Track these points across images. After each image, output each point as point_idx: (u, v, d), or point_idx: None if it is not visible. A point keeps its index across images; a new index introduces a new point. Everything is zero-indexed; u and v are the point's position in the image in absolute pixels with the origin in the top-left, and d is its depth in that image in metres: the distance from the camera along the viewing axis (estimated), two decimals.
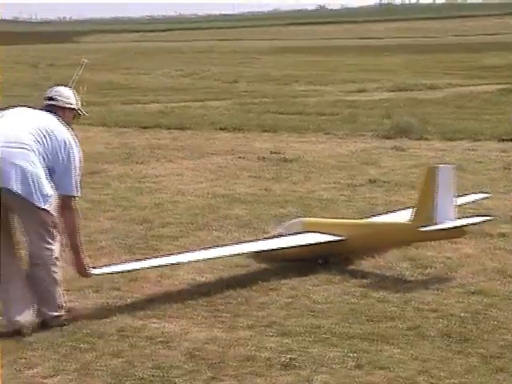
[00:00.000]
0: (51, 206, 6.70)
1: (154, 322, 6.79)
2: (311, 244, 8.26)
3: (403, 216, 8.85)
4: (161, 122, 20.11)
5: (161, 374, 5.76)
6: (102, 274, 7.34)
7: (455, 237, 8.27)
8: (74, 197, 6.83)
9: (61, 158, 6.67)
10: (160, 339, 6.41)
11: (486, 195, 10.77)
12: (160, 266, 7.82)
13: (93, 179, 12.96)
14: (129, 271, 7.64)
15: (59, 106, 6.96)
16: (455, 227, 7.88)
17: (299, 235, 8.44)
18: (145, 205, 11.19)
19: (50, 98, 6.98)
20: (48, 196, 6.63)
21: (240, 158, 15.00)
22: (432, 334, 6.44)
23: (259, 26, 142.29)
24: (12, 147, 6.48)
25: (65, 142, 6.70)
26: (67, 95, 7.04)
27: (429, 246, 8.77)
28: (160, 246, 9.16)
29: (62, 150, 6.68)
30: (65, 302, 6.86)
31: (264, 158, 14.84)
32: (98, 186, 12.51)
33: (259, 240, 8.83)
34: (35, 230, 6.71)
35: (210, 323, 6.78)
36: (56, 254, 6.80)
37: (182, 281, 7.88)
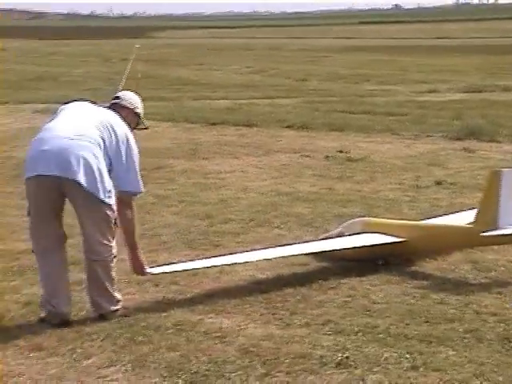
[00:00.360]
0: (113, 201, 6.79)
1: (211, 317, 6.84)
2: (371, 245, 8.26)
3: (465, 217, 8.81)
4: (228, 118, 20.18)
5: (215, 369, 5.81)
6: (160, 274, 7.45)
7: None
8: (135, 194, 6.94)
9: (121, 155, 6.76)
10: (216, 334, 6.44)
11: None
12: (216, 266, 7.84)
13: (158, 174, 13.12)
14: (186, 270, 7.68)
15: (122, 105, 7.09)
16: None
17: (359, 235, 8.44)
18: (208, 201, 11.28)
19: (116, 97, 7.17)
20: (110, 191, 6.69)
21: (305, 156, 15.00)
22: (490, 337, 6.37)
23: (331, 24, 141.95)
24: (79, 139, 6.55)
25: (125, 139, 6.80)
26: (132, 98, 7.22)
27: (492, 249, 8.67)
28: (221, 241, 9.22)
29: (123, 147, 6.76)
30: (119, 296, 6.95)
31: (329, 156, 14.80)
32: (162, 181, 12.65)
33: (320, 239, 8.83)
34: (96, 226, 6.73)
35: (267, 320, 6.81)
36: (114, 251, 6.87)
37: (241, 277, 7.91)
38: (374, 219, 8.94)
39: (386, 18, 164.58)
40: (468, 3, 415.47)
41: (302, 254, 8.30)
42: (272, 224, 10.03)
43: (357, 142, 16.80)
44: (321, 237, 8.97)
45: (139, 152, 6.94)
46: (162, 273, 7.44)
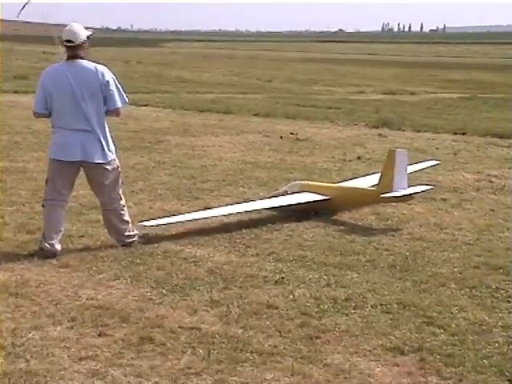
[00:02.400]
0: (115, 157, 6.75)
1: (189, 248, 6.96)
2: (306, 202, 8.37)
3: (369, 180, 9.01)
4: (212, 107, 20.11)
5: (189, 283, 5.95)
6: (154, 226, 7.28)
7: (406, 201, 8.37)
8: (124, 105, 6.72)
9: (105, 89, 6.50)
10: (192, 260, 6.58)
11: (435, 162, 11.01)
12: (191, 221, 7.62)
13: (159, 146, 13.15)
14: (169, 224, 7.46)
15: (78, 44, 6.48)
16: (405, 195, 8.02)
17: (298, 194, 8.56)
18: (193, 166, 11.30)
19: (69, 41, 6.47)
20: (112, 150, 6.69)
21: (266, 136, 15.02)
22: (382, 265, 6.57)
23: (293, 41, 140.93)
24: (84, 131, 6.50)
25: (102, 76, 6.47)
26: (77, 32, 6.48)
27: (391, 204, 8.86)
28: (200, 195, 9.28)
29: (104, 83, 6.48)
30: (135, 231, 7.00)
31: (283, 137, 14.86)
32: (162, 151, 12.66)
33: (270, 196, 8.89)
34: (107, 183, 6.71)
35: (229, 251, 6.95)
36: (122, 202, 6.86)
37: (213, 221, 7.99)
38: (309, 182, 9.05)
39: (332, 39, 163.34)
40: (391, 29, 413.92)
41: (258, 210, 8.30)
42: (238, 184, 10.10)
43: (304, 127, 16.80)
44: (271, 193, 9.08)
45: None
46: (156, 225, 7.29)
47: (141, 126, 15.65)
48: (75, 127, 6.52)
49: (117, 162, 6.82)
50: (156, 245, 6.99)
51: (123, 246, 6.86)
